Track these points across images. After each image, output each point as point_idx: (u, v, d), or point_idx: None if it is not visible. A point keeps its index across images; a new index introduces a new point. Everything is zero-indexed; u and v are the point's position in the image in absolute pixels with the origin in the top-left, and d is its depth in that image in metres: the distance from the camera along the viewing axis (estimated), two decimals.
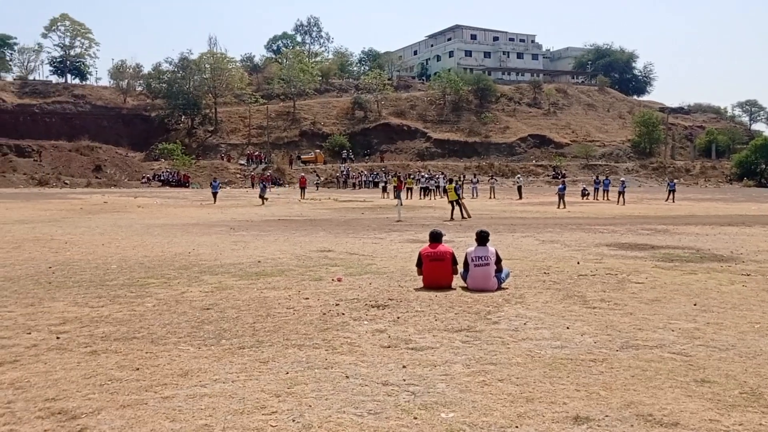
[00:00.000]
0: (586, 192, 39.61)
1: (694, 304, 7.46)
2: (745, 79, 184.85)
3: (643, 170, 68.13)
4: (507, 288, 8.55)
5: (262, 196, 33.00)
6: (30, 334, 6.19)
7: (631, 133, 76.28)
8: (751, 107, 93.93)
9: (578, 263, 10.99)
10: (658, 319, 6.71)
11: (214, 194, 34.55)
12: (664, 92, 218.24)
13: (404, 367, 5.13)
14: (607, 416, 4.06)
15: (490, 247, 8.70)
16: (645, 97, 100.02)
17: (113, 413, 4.14)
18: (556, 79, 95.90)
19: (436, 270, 8.62)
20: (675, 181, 38.92)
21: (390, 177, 44.96)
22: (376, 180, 54.49)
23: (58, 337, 6.03)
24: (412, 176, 47.95)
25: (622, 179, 39.28)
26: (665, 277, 9.50)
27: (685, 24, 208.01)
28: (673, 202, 33.89)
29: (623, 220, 21.36)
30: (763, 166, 66.43)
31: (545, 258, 11.74)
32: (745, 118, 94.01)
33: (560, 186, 31.11)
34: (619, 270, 10.13)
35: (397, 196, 30.53)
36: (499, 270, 8.59)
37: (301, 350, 5.60)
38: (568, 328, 6.39)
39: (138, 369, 5.08)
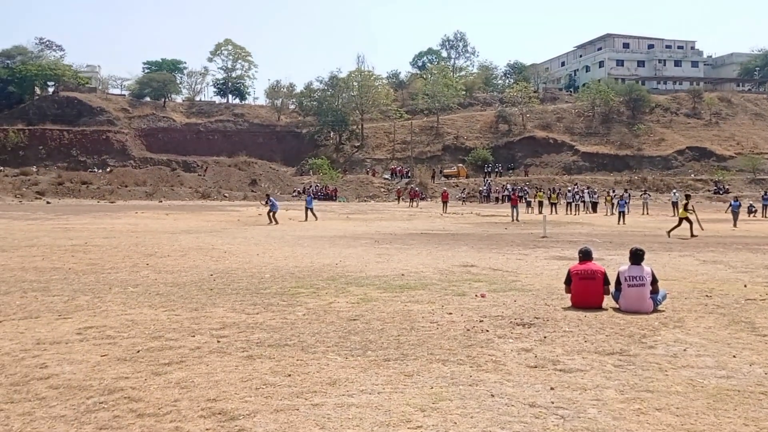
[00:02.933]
0: (754, 209, 36.22)
1: None
2: None
3: None
4: (663, 311, 8.03)
5: (271, 213, 27.13)
6: (194, 336, 6.71)
7: None
8: None
9: (745, 286, 10.07)
10: None
11: (271, 214, 27.21)
12: None
13: (552, 389, 4.97)
14: None
15: (646, 267, 8.22)
16: None
17: (267, 417, 4.37)
18: (719, 87, 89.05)
19: (586, 289, 8.27)
20: None
21: (530, 191, 44.00)
22: (520, 194, 53.43)
23: (218, 341, 6.49)
24: (557, 191, 46.55)
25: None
26: None
27: None
28: None
29: None
30: None
31: (707, 279, 10.89)
32: None
33: (734, 202, 28.79)
34: None
35: (514, 211, 30.17)
36: (654, 291, 8.09)
37: (446, 365, 5.60)
38: (734, 356, 5.87)
39: (290, 375, 5.33)
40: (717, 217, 31.90)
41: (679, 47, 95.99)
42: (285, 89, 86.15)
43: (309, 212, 30.23)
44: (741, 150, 69.53)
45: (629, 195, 42.67)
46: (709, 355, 5.96)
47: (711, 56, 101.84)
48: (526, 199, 44.80)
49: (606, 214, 37.09)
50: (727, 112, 78.42)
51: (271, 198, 28.41)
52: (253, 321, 7.48)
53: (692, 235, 20.79)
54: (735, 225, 26.53)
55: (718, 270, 12.22)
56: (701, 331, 6.92)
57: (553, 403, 4.64)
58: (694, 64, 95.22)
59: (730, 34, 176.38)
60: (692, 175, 64.51)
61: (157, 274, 11.35)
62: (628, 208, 36.71)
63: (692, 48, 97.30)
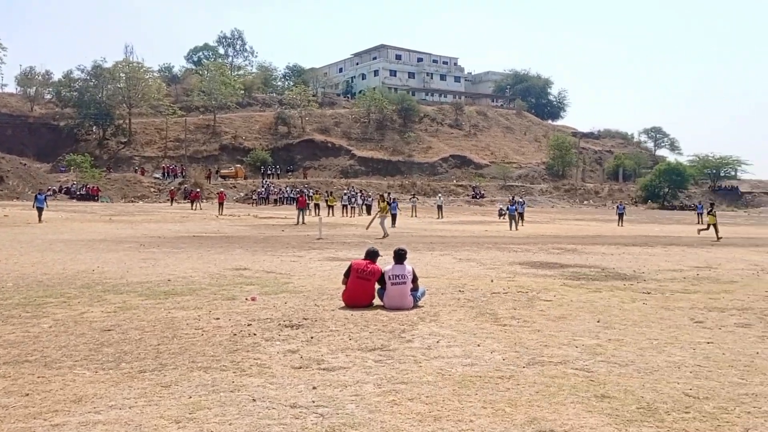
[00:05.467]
0: (503, 212, 40.64)
1: (598, 321, 7.74)
2: (651, 107, 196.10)
3: (556, 191, 70.84)
4: (423, 306, 8.61)
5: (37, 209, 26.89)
6: None
7: (546, 156, 79.37)
8: (655, 134, 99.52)
9: (492, 281, 11.22)
10: (564, 336, 6.92)
11: (39, 210, 27.18)
12: (577, 118, 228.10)
13: (314, 388, 5.04)
14: None
15: (407, 266, 8.74)
16: (559, 122, 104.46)
17: None
18: (477, 101, 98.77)
19: (360, 287, 8.57)
20: (624, 204, 39.50)
21: (312, 194, 44.56)
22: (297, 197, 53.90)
23: None
24: (333, 194, 47.87)
25: (520, 201, 38.69)
26: (572, 294, 9.84)
27: (598, 53, 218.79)
28: (622, 225, 33.88)
29: (536, 240, 22.05)
30: (666, 189, 70.51)
31: (461, 276, 11.93)
32: (650, 144, 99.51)
33: (510, 206, 30.82)
34: (529, 288, 10.41)
35: (301, 214, 30.37)
36: (415, 288, 8.65)
37: (207, 373, 5.41)
38: (478, 345, 6.48)
39: (28, 395, 4.76)
40: (473, 219, 35.17)
41: (444, 62, 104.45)
42: (40, 77, 77.46)
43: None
44: (494, 159, 77.77)
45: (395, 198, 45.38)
46: (458, 345, 6.50)
47: (471, 73, 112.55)
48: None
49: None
50: (484, 124, 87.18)
51: (39, 195, 27.89)
52: None
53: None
54: (514, 228, 29.04)
55: (471, 267, 13.48)
56: (453, 324, 7.54)
57: (314, 402, 4.70)
58: (457, 79, 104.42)
59: (487, 54, 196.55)
60: (454, 181, 70.60)
61: None
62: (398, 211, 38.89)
63: (455, 64, 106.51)
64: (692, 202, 63.70)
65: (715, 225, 25.01)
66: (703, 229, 26.15)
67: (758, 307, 9.02)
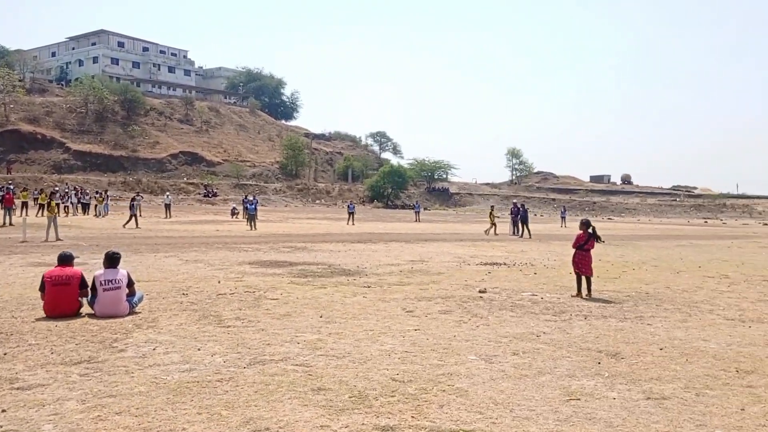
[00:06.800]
0: (236, 211, 40.28)
1: (320, 317, 8.03)
2: (378, 112, 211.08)
3: (289, 191, 72.41)
4: (140, 312, 8.08)
5: None
6: None
7: (280, 156, 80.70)
8: (381, 138, 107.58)
9: (219, 282, 11.00)
10: (287, 333, 7.04)
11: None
12: (309, 119, 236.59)
13: (3, 411, 4.40)
14: None
15: (121, 270, 8.12)
16: (292, 122, 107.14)
17: None
18: (209, 97, 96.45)
19: (59, 295, 7.70)
20: (354, 204, 41.72)
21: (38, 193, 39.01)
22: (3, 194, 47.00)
23: None
24: (44, 191, 42.76)
25: (251, 198, 39.01)
26: (298, 292, 10.08)
27: (330, 56, 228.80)
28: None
29: (268, 239, 22.24)
30: (390, 190, 76.61)
31: (187, 278, 11.48)
32: (376, 147, 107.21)
33: (249, 206, 30.22)
34: (257, 287, 10.43)
35: (7, 213, 26.67)
36: (131, 294, 8.08)
37: None
38: (199, 349, 6.27)
39: None
40: (205, 218, 34.26)
41: (173, 54, 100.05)
42: None
43: None
44: (227, 157, 76.71)
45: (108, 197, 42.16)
46: (176, 351, 6.21)
47: (202, 67, 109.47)
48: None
49: (99, 216, 35.82)
50: (216, 121, 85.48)
51: None
52: None
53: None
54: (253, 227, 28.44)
55: (198, 268, 13.06)
56: (173, 329, 7.19)
57: (1, 427, 4.10)
58: (187, 72, 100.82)
59: (220, 48, 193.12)
60: (185, 179, 67.99)
61: None
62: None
63: (185, 57, 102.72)
64: (411, 202, 70.11)
65: (494, 224, 29.11)
66: (488, 230, 29.34)
67: (459, 295, 10.19)
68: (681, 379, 5.61)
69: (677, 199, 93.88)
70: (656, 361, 6.25)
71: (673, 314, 8.96)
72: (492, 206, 34.66)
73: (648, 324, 8.18)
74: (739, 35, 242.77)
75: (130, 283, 8.05)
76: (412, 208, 52.38)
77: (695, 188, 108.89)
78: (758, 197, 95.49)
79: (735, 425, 4.47)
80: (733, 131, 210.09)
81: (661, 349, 6.74)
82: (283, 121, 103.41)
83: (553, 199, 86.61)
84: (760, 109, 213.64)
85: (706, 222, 64.57)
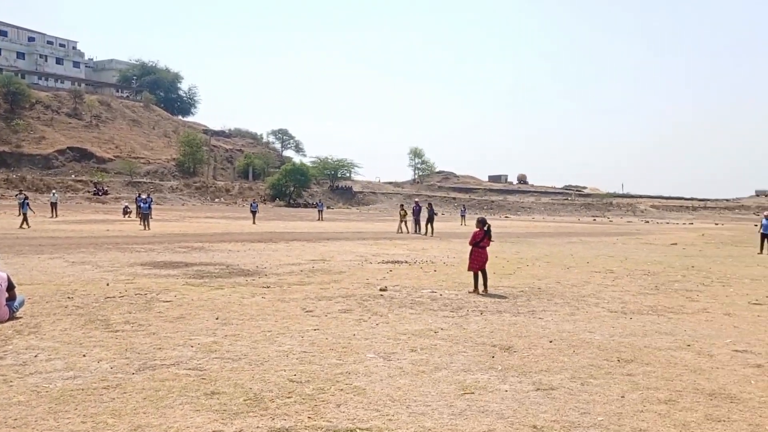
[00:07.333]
0: (129, 210, 38.51)
1: (216, 319, 7.81)
2: (279, 109, 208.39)
3: (187, 189, 70.11)
4: (21, 317, 7.55)
5: None
6: None
7: (176, 153, 77.95)
8: (282, 135, 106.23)
9: (108, 285, 10.46)
10: (180, 337, 6.79)
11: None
12: (208, 115, 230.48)
13: None
14: None
15: (1, 272, 7.57)
16: (190, 118, 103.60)
17: None
18: (100, 90, 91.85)
19: None
20: (257, 202, 41.48)
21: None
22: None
23: None
24: None
25: (144, 197, 37.56)
26: (193, 293, 9.76)
27: (228, 50, 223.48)
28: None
29: (163, 239, 21.42)
30: (292, 188, 75.82)
31: (73, 281, 10.85)
32: (278, 145, 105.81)
33: (319, 203, 29.39)
34: (149, 289, 10.00)
35: None
36: (11, 298, 7.55)
37: None
38: (84, 355, 5.93)
39: None
40: (94, 218, 32.53)
41: (61, 45, 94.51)
42: None
43: None
44: (120, 153, 73.27)
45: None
46: (60, 357, 5.85)
47: (92, 59, 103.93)
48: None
49: None
50: (107, 115, 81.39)
51: None
52: None
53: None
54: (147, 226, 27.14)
55: (86, 270, 12.38)
56: (56, 335, 6.77)
57: None
58: (76, 64, 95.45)
59: (112, 40, 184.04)
60: (73, 176, 64.38)
61: None
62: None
63: (74, 48, 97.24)
64: (314, 200, 69.72)
65: (404, 220, 29.79)
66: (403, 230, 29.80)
67: (359, 294, 10.22)
68: (568, 369, 5.89)
69: (569, 198, 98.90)
70: (546, 353, 6.53)
71: (563, 308, 9.40)
72: (402, 204, 35.01)
73: (539, 318, 8.54)
74: (627, 40, 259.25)
75: (11, 287, 7.54)
76: (315, 207, 52.12)
77: (585, 188, 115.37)
78: (641, 196, 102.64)
79: (615, 411, 4.74)
80: (619, 134, 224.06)
81: (550, 342, 7.05)
82: (180, 117, 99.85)
83: (454, 198, 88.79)
84: (644, 113, 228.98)
85: (594, 220, 68.35)
